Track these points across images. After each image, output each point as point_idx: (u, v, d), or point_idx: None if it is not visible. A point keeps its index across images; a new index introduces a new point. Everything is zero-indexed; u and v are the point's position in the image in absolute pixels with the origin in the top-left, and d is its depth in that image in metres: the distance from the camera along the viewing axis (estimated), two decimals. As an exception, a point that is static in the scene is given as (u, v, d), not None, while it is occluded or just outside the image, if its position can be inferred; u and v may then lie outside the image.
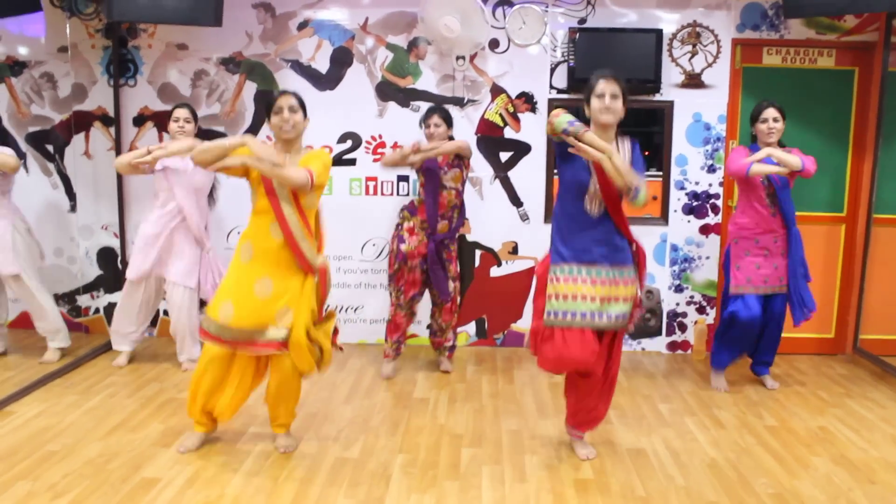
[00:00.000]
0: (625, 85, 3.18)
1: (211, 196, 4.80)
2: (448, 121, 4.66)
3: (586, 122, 3.21)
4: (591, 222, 3.25)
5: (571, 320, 3.23)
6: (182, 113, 4.60)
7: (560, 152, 3.26)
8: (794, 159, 4.21)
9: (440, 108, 4.73)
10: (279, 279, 3.31)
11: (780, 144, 4.39)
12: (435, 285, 4.67)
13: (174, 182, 4.57)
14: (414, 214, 4.67)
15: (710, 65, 5.19)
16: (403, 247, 4.63)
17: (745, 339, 4.52)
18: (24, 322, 5.24)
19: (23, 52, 5.36)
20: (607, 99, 3.13)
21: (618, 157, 3.06)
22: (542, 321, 3.29)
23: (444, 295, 4.68)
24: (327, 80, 5.31)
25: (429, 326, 5.01)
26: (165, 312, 5.51)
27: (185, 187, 4.58)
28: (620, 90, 3.15)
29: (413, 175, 5.22)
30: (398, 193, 5.36)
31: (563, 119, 3.09)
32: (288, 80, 5.26)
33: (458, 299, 4.86)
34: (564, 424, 3.67)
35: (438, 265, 4.63)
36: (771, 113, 4.32)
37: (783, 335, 4.63)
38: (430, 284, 4.72)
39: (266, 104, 3.41)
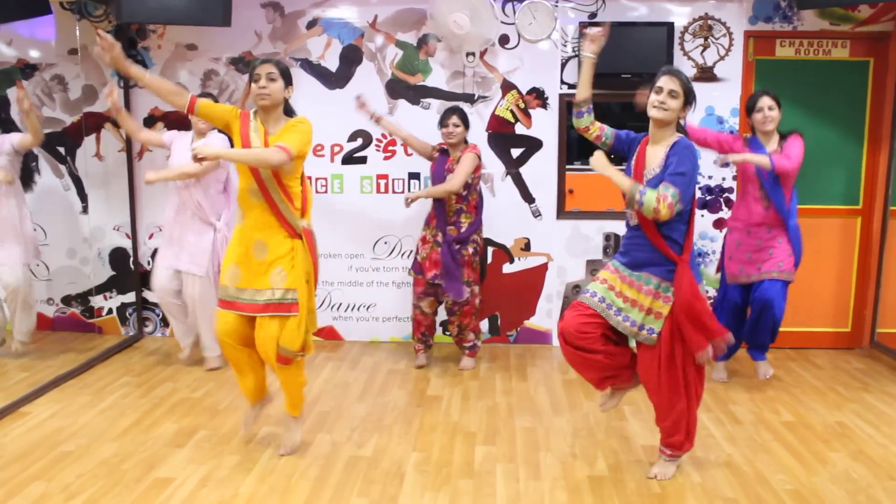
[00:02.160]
0: (690, 85, 3.12)
1: (225, 190, 4.78)
2: (466, 122, 4.71)
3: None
4: (630, 227, 3.25)
5: (582, 296, 3.27)
6: None
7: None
8: (763, 159, 4.17)
9: (458, 108, 4.74)
10: (272, 242, 3.37)
11: (779, 133, 4.35)
12: (446, 289, 4.67)
13: (174, 159, 4.64)
14: (428, 224, 4.77)
15: (722, 58, 5.14)
16: (419, 257, 4.77)
17: (734, 327, 4.47)
18: (37, 323, 5.26)
19: (34, 54, 5.38)
20: (663, 95, 3.09)
21: (617, 176, 3.10)
22: None
23: (456, 295, 4.67)
24: (337, 79, 5.29)
25: (442, 323, 4.99)
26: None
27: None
28: (682, 89, 3.09)
29: (425, 173, 5.22)
30: (409, 191, 5.34)
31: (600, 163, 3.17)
32: (298, 79, 5.19)
33: (477, 302, 4.85)
34: None
35: (450, 267, 4.63)
36: (765, 102, 4.28)
37: (799, 330, 4.57)
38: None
39: (249, 70, 3.43)
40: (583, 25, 5.03)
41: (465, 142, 4.75)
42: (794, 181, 4.30)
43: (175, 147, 4.70)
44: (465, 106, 5.18)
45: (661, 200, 2.98)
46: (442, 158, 4.76)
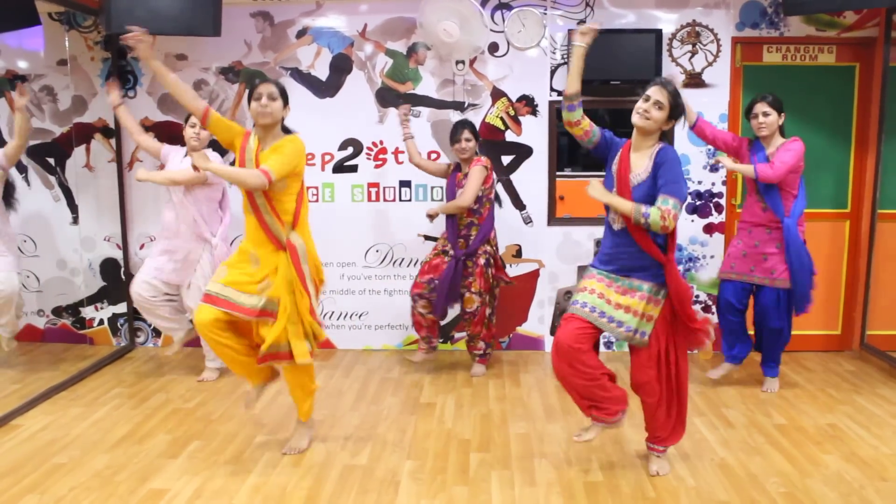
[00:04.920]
0: (677, 97, 3.14)
1: (220, 207, 4.78)
2: (477, 135, 4.77)
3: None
4: (614, 232, 3.25)
5: (573, 308, 3.26)
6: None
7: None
8: (748, 168, 4.25)
9: (469, 122, 4.79)
10: (262, 254, 3.45)
11: (783, 136, 4.39)
12: (433, 303, 4.77)
13: (173, 189, 4.60)
14: (443, 236, 4.87)
15: (710, 64, 5.18)
16: (424, 259, 4.88)
17: (729, 326, 4.57)
18: (28, 335, 5.24)
19: (22, 65, 5.37)
20: (649, 104, 3.11)
21: (617, 200, 3.11)
22: None
23: (438, 313, 4.81)
24: (327, 88, 5.30)
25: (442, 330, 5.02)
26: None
27: (185, 192, 4.59)
28: (668, 102, 3.11)
29: (416, 181, 5.25)
30: (400, 199, 5.35)
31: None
32: (288, 88, 5.17)
33: (487, 312, 4.88)
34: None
35: (445, 284, 4.68)
36: (760, 108, 4.33)
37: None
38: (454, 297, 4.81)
39: (248, 88, 3.49)
40: (572, 33, 5.05)
41: (476, 153, 4.79)
42: (797, 183, 4.35)
43: (169, 161, 4.69)
44: (455, 114, 5.21)
45: (666, 216, 3.00)
46: (453, 174, 4.81)
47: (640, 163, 3.17)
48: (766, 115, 4.31)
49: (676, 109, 3.14)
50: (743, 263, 4.45)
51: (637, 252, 3.19)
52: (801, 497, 3.15)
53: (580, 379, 3.22)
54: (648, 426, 3.42)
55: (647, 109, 3.11)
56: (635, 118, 3.15)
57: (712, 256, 5.31)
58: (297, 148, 3.42)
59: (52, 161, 5.41)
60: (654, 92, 3.11)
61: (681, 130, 5.13)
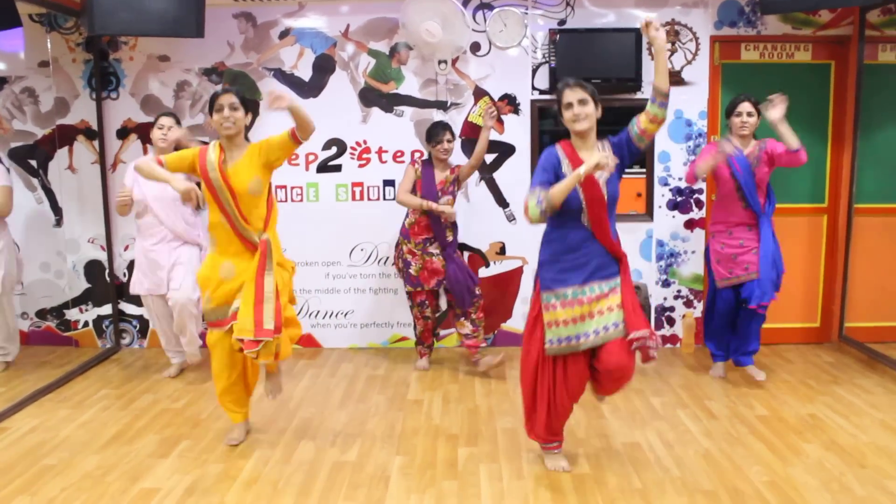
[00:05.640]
0: (590, 87, 3.16)
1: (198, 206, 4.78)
2: (454, 135, 4.83)
3: (566, 133, 3.26)
4: (578, 239, 3.21)
5: (549, 349, 3.22)
6: (167, 121, 4.60)
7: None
8: (796, 142, 4.25)
9: (447, 124, 4.84)
10: (238, 261, 3.52)
11: (754, 137, 4.47)
12: (458, 302, 4.80)
13: (147, 194, 4.57)
14: (408, 238, 4.81)
15: (689, 62, 5.25)
16: (412, 270, 4.80)
17: (725, 327, 4.64)
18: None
19: (1, 67, 5.34)
20: (576, 107, 3.13)
21: (569, 179, 3.06)
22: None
23: (465, 305, 4.80)
24: (310, 88, 5.32)
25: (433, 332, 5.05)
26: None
27: (160, 198, 4.58)
28: (587, 94, 3.13)
29: (399, 180, 5.27)
30: (384, 198, 5.38)
31: (534, 208, 3.10)
32: (271, 88, 5.27)
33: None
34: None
35: (460, 278, 4.75)
36: (745, 107, 4.40)
37: (770, 326, 4.68)
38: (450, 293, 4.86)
39: (210, 100, 3.54)
40: (553, 32, 5.12)
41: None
42: (768, 180, 4.43)
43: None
44: (438, 113, 5.25)
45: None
46: (428, 172, 4.76)
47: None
48: (750, 115, 4.38)
49: (595, 94, 3.17)
50: (737, 266, 4.47)
51: (601, 249, 3.21)
52: (783, 485, 3.22)
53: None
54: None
55: (577, 112, 3.12)
56: (579, 126, 3.14)
57: (693, 252, 5.38)
58: (268, 141, 3.53)
59: (34, 163, 5.39)
60: (570, 94, 3.12)
61: (662, 131, 5.21)
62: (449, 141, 4.72)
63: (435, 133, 4.74)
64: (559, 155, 3.22)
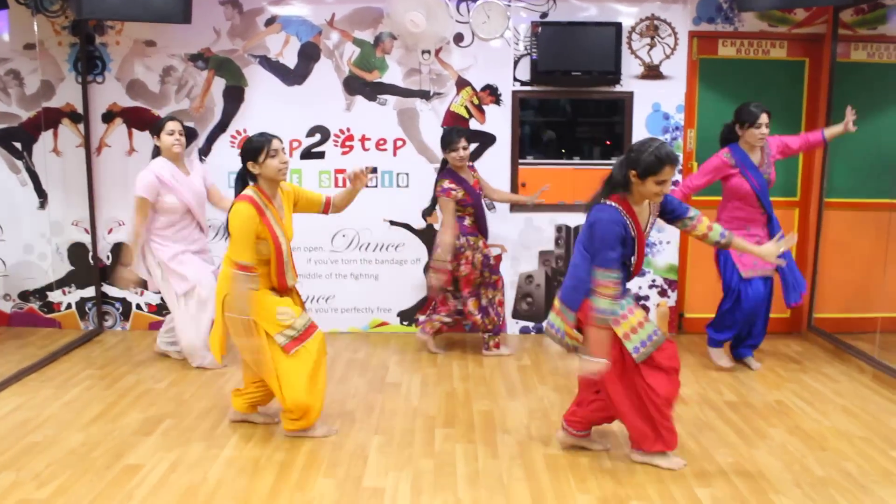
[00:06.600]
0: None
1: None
2: (469, 141, 4.93)
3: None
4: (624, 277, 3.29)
5: (654, 343, 3.33)
6: (177, 126, 4.57)
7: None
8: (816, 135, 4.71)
9: (463, 129, 4.96)
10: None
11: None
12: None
13: (182, 192, 4.58)
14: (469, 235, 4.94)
15: (668, 56, 5.36)
16: (459, 275, 4.96)
17: (749, 321, 4.69)
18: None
19: (-15, 49, 5.36)
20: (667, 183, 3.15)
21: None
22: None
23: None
24: (295, 76, 5.39)
25: (402, 315, 5.13)
26: (138, 307, 5.57)
27: (192, 192, 4.64)
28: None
29: (382, 167, 5.36)
30: (366, 185, 5.43)
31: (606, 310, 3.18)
32: (256, 75, 5.34)
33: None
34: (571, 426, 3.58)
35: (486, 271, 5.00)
36: (765, 119, 4.44)
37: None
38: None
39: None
40: (535, 25, 5.21)
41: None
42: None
43: (168, 180, 4.58)
44: (420, 102, 5.33)
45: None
46: (459, 178, 4.83)
47: (643, 213, 3.29)
48: (768, 126, 4.48)
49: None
50: (761, 258, 4.56)
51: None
52: (748, 466, 3.35)
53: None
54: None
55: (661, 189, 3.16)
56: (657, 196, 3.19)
57: (668, 242, 5.50)
58: (239, 218, 3.48)
59: (18, 146, 5.42)
60: (668, 172, 3.11)
61: (640, 124, 5.33)
62: (464, 148, 4.78)
63: (450, 140, 4.77)
64: (626, 218, 3.23)
